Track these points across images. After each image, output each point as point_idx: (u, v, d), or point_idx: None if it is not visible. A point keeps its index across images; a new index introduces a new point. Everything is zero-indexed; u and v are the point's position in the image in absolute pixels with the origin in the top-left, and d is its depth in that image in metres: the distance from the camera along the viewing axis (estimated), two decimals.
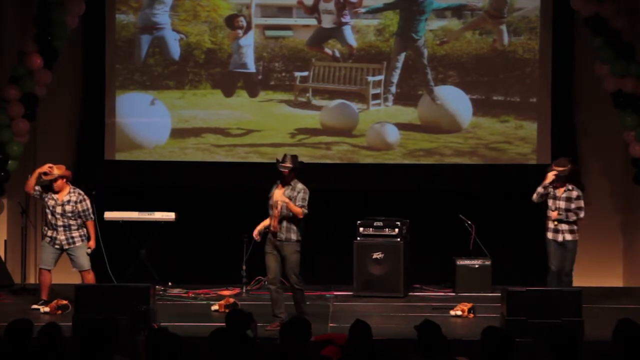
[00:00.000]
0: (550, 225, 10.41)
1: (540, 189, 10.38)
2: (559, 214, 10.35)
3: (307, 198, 9.51)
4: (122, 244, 11.75)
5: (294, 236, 9.53)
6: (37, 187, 10.35)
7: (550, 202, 10.38)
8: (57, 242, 10.34)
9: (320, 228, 12.02)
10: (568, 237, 10.37)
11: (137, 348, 6.21)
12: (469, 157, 12.58)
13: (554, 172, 10.33)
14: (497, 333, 5.72)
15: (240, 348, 5.83)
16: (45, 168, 10.34)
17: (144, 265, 11.72)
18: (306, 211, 9.48)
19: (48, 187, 10.36)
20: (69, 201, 10.36)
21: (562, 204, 10.37)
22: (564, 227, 10.37)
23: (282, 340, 5.90)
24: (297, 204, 9.44)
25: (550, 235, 10.42)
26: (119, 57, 12.65)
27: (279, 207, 9.45)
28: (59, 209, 10.32)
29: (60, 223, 10.31)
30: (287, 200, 9.42)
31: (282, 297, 9.58)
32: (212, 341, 5.80)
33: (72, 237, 10.36)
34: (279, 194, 9.48)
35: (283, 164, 9.53)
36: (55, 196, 10.34)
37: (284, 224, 9.49)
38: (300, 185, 9.55)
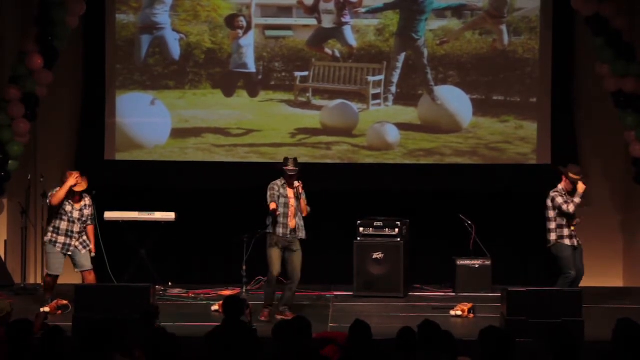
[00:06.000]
0: (565, 231, 10.31)
1: (577, 200, 10.20)
2: (578, 218, 10.34)
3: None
4: (122, 244, 11.75)
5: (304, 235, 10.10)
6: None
7: (565, 208, 10.30)
8: (71, 248, 10.27)
9: (321, 228, 12.04)
10: (579, 240, 10.38)
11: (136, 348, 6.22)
12: (469, 157, 12.58)
13: (582, 182, 10.30)
14: (495, 333, 5.72)
15: (237, 334, 5.86)
16: (74, 180, 10.22)
17: (144, 265, 11.72)
18: (310, 210, 10.03)
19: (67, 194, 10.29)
20: (85, 205, 10.37)
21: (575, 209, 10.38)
22: (575, 231, 10.37)
23: (282, 340, 5.90)
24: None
25: (567, 241, 10.27)
26: (119, 57, 12.65)
27: (295, 205, 9.97)
28: (77, 214, 10.28)
29: (77, 229, 10.27)
30: (303, 198, 9.96)
31: (274, 291, 10.04)
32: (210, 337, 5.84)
33: (85, 241, 10.34)
34: (291, 193, 9.98)
35: (294, 168, 9.98)
36: (72, 202, 10.30)
37: (299, 222, 10.01)
38: (304, 191, 10.07)
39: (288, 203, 9.96)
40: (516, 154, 12.59)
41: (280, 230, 9.94)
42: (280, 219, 9.93)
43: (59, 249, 10.28)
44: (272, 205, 9.87)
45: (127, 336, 6.03)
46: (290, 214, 9.96)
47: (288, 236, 9.95)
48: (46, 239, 10.40)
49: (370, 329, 6.22)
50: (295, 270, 10.00)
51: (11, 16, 12.22)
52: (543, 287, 10.01)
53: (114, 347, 5.89)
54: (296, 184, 9.95)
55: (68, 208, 10.27)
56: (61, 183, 10.29)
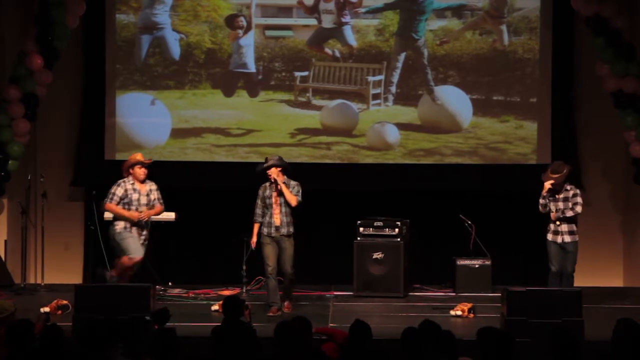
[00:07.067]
0: (551, 226, 10.39)
1: (541, 200, 10.36)
2: (556, 214, 10.34)
3: (300, 191, 10.25)
4: None
5: (292, 229, 10.29)
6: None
7: (551, 205, 10.37)
8: (143, 237, 10.18)
9: (321, 228, 12.09)
10: (567, 238, 10.35)
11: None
12: (469, 157, 12.58)
13: (550, 182, 10.31)
14: (492, 333, 5.71)
15: (236, 335, 5.86)
16: (140, 157, 10.19)
17: (144, 265, 11.70)
18: (300, 200, 10.20)
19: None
20: (151, 190, 10.26)
21: (560, 205, 10.37)
22: (564, 228, 10.35)
23: (282, 339, 5.90)
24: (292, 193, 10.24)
25: (550, 236, 10.40)
26: (119, 57, 12.65)
27: (280, 203, 10.17)
28: (144, 200, 10.18)
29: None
30: (284, 188, 10.12)
31: (277, 287, 10.24)
32: (213, 336, 5.85)
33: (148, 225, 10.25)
34: (276, 175, 10.19)
35: (264, 166, 10.24)
36: (138, 187, 10.19)
37: (284, 219, 10.18)
38: (293, 182, 10.30)
39: (272, 203, 10.22)
40: (516, 154, 12.59)
41: (264, 230, 10.26)
42: (266, 219, 10.24)
43: (135, 234, 10.13)
44: (252, 242, 10.35)
45: (135, 340, 6.00)
46: (275, 212, 10.20)
47: (272, 234, 10.21)
48: (118, 228, 10.12)
49: (370, 329, 6.22)
50: (285, 265, 10.22)
51: (11, 16, 12.21)
52: (543, 287, 10.03)
53: (122, 352, 5.89)
54: (272, 177, 10.15)
55: (135, 196, 10.14)
56: (123, 172, 10.25)
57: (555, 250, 10.36)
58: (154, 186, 10.33)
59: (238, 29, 12.60)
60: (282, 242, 10.21)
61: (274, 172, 10.20)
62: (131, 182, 10.24)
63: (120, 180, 10.28)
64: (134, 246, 10.14)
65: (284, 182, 10.20)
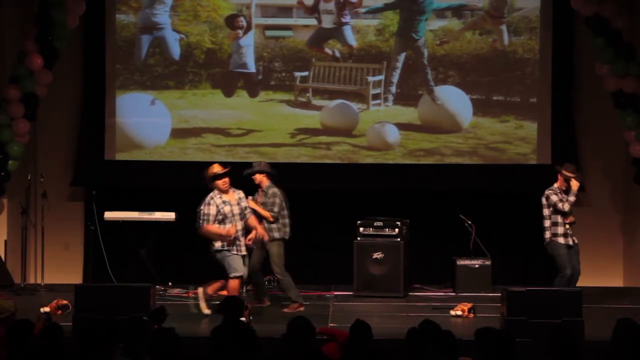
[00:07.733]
0: (560, 229, 10.32)
1: (572, 198, 10.24)
2: (572, 217, 10.34)
3: (276, 202, 10.41)
4: (122, 244, 11.75)
5: (276, 234, 10.43)
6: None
7: (560, 206, 10.31)
8: (241, 250, 9.84)
9: (321, 228, 12.08)
10: (575, 239, 10.37)
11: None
12: (469, 157, 12.58)
13: (577, 181, 10.30)
14: (490, 333, 5.70)
15: (236, 335, 5.87)
16: (216, 168, 9.86)
17: (144, 265, 11.72)
18: (274, 214, 10.38)
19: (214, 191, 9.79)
20: (240, 198, 9.91)
21: (571, 208, 10.38)
22: (570, 230, 10.36)
23: (284, 339, 5.91)
24: (267, 208, 10.38)
25: (562, 240, 10.29)
26: (119, 57, 12.65)
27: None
28: (237, 210, 9.81)
29: (242, 226, 9.84)
30: (255, 207, 10.32)
31: (263, 282, 10.78)
32: (212, 336, 5.85)
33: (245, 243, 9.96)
34: (251, 203, 10.31)
35: (260, 170, 10.52)
36: (227, 199, 9.81)
37: (265, 225, 10.32)
38: (271, 191, 10.44)
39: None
40: (516, 154, 12.59)
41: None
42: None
43: (235, 252, 9.80)
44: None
45: (135, 340, 6.00)
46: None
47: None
48: (217, 245, 9.81)
49: (371, 329, 6.22)
50: (272, 267, 10.50)
51: (11, 16, 12.22)
52: (543, 287, 10.02)
53: (122, 352, 5.89)
54: (251, 203, 10.36)
55: (227, 209, 9.78)
56: (209, 181, 9.88)
57: (567, 252, 10.30)
58: (242, 194, 9.96)
59: (238, 29, 12.60)
60: (267, 245, 10.38)
61: (257, 178, 10.41)
62: (219, 195, 9.83)
63: (208, 198, 9.81)
64: (235, 264, 9.81)
65: (263, 190, 10.42)
